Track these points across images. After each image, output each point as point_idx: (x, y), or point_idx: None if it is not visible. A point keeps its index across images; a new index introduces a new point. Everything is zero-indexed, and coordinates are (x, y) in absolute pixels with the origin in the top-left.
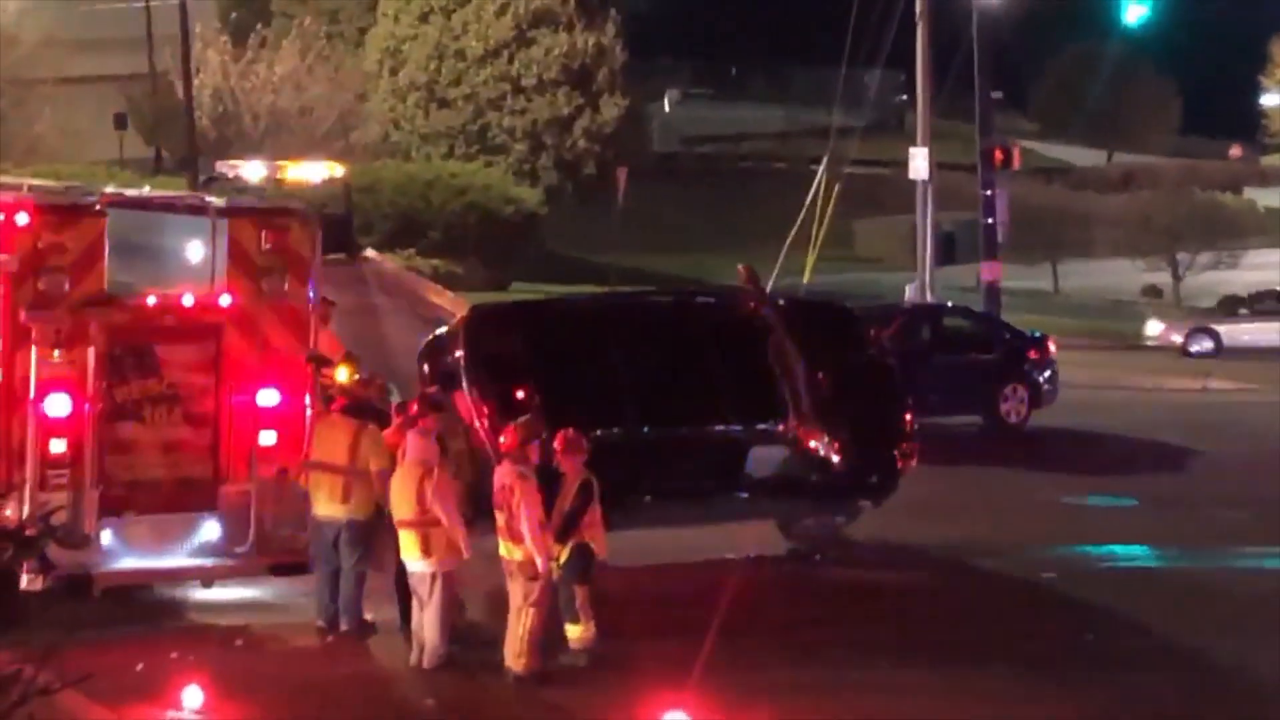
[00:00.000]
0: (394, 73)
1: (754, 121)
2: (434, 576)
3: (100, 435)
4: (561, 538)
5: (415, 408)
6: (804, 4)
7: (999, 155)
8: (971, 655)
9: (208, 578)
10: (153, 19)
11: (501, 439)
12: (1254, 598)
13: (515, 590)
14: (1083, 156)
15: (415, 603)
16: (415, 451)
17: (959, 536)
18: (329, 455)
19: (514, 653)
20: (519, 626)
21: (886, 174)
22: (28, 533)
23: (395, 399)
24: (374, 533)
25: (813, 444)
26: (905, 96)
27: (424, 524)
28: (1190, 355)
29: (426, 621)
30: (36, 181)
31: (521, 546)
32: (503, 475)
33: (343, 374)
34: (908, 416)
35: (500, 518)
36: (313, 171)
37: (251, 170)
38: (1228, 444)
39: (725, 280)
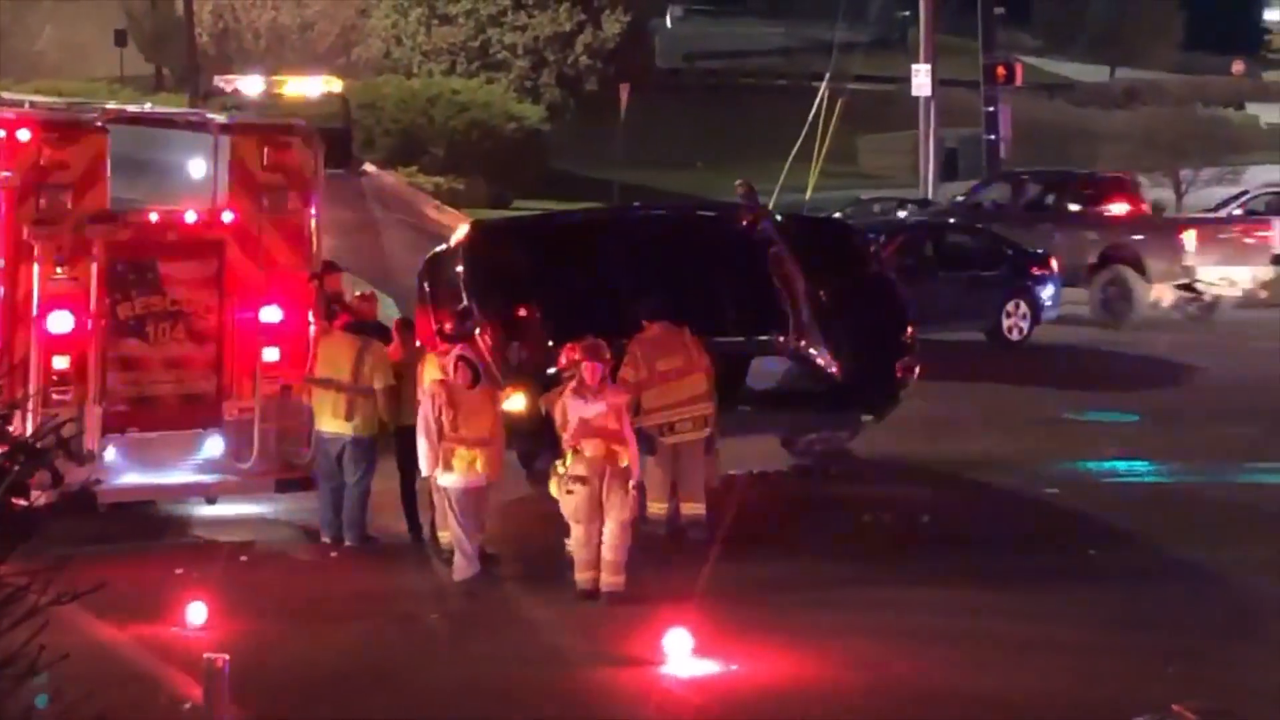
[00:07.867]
0: None
1: (756, 37)
2: (449, 490)
3: (103, 351)
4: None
5: (449, 327)
6: None
7: (1001, 71)
8: (973, 571)
9: (211, 494)
10: None
11: (561, 359)
12: (1256, 512)
13: (613, 502)
14: (1085, 73)
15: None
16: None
17: (961, 452)
18: (333, 372)
19: (611, 569)
20: (615, 539)
21: (889, 90)
22: (38, 445)
23: (395, 314)
24: (377, 449)
25: (813, 357)
26: (908, 12)
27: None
28: None
29: (451, 534)
30: (38, 98)
31: (627, 451)
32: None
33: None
34: (909, 330)
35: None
36: (310, 86)
37: (249, 85)
38: (1229, 360)
39: (728, 197)
